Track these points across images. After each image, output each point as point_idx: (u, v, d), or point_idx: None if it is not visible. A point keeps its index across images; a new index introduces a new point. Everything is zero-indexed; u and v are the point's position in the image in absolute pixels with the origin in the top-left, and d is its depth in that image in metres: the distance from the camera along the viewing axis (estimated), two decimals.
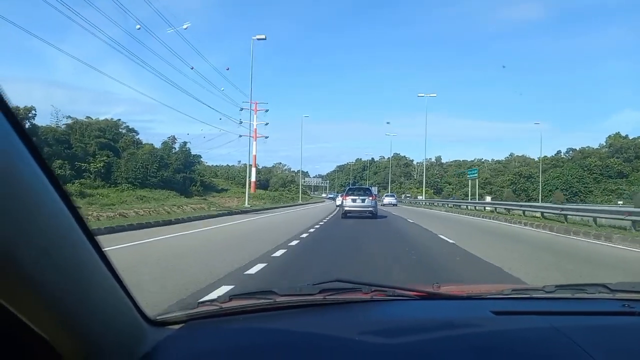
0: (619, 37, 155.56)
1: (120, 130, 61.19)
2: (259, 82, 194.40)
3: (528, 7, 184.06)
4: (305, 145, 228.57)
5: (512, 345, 1.08)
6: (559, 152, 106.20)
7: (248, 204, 43.22)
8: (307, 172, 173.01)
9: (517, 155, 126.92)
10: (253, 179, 78.55)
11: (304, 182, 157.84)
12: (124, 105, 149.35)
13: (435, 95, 67.04)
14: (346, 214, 21.18)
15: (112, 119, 56.78)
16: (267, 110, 75.68)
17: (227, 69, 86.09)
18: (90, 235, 0.81)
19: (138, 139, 67.44)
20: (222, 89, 55.03)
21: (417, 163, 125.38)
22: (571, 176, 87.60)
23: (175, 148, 64.46)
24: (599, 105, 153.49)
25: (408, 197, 73.22)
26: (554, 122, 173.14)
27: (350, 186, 30.19)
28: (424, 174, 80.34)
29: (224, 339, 1.13)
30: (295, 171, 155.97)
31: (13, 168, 0.62)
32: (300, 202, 57.48)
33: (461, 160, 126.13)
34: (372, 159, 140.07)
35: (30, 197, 0.65)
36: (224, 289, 5.56)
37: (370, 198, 21.44)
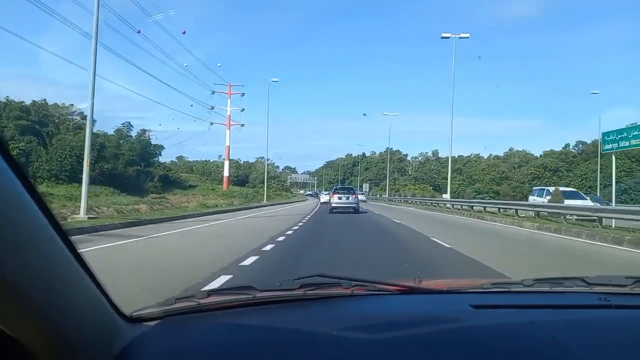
0: (619, 33, 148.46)
1: (63, 115, 51.25)
2: (249, 73, 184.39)
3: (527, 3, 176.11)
4: (297, 144, 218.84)
5: (490, 338, 1.08)
6: (567, 145, 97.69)
7: (225, 203, 33.67)
8: (294, 168, 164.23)
9: (517, 150, 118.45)
10: (226, 173, 68.58)
11: (291, 179, 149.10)
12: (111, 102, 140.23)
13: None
14: (332, 210, 24.58)
15: (40, 101, 45.97)
16: (243, 95, 65.91)
17: (219, 65, 76.58)
18: (62, 232, 0.80)
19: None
20: (185, 64, 45.49)
21: (413, 158, 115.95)
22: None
23: (131, 137, 54.35)
24: (593, 101, 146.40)
25: (403, 196, 59.65)
26: (545, 119, 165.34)
27: (337, 186, 33.89)
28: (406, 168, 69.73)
29: (201, 335, 1.10)
30: (282, 168, 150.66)
31: None
32: (265, 202, 43.53)
33: (456, 156, 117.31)
34: (363, 154, 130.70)
35: None
36: None
37: (353, 196, 25.43)
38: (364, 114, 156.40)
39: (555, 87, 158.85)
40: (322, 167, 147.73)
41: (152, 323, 1.16)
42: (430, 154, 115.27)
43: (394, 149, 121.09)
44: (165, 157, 63.41)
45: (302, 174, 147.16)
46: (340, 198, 25.20)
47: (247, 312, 1.24)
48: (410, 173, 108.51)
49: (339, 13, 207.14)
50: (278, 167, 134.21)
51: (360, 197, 36.00)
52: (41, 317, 0.74)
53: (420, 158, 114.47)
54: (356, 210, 24.88)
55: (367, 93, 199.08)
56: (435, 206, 36.74)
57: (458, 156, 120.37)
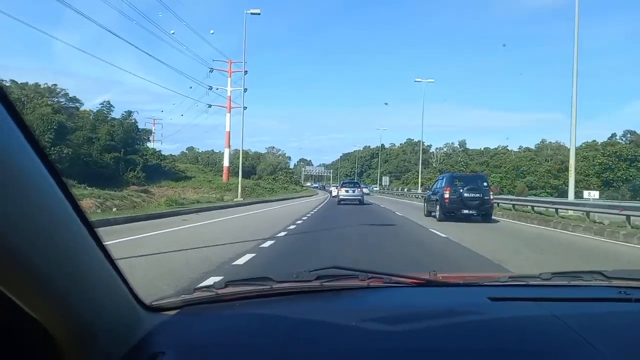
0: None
1: (47, 97, 43.90)
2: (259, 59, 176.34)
3: None
4: (314, 136, 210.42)
5: (508, 331, 1.08)
6: (613, 135, 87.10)
7: (215, 197, 25.87)
8: (309, 161, 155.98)
9: (549, 142, 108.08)
10: (226, 163, 60.33)
11: (305, 171, 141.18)
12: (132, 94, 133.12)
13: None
14: (340, 202, 26.99)
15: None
16: (246, 72, 57.42)
17: (212, 32, 67.63)
18: (86, 221, 0.81)
19: (72, 109, 50.48)
20: (172, 31, 37.60)
21: (437, 149, 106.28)
22: None
23: (114, 119, 46.52)
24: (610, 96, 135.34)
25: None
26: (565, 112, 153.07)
27: (344, 181, 34.53)
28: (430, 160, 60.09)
29: (219, 325, 1.13)
30: (297, 161, 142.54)
31: (8, 153, 0.63)
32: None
33: (481, 148, 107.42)
34: (382, 145, 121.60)
35: (25, 181, 0.66)
36: None
37: (358, 190, 28.01)
38: (386, 103, 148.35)
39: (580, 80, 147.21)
40: (339, 159, 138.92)
41: (172, 312, 1.16)
42: (456, 144, 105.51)
43: (415, 139, 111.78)
44: (176, 149, 55.80)
45: (317, 166, 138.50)
46: (347, 191, 27.44)
47: (265, 302, 1.24)
48: (434, 165, 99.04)
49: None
50: (289, 158, 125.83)
51: (365, 190, 36.37)
52: (63, 301, 0.75)
53: (445, 149, 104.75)
54: (361, 202, 26.81)
55: (388, 83, 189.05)
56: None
57: (484, 148, 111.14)
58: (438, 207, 15.56)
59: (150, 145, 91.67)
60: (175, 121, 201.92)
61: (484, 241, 9.80)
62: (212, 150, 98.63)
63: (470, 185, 15.38)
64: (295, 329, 1.07)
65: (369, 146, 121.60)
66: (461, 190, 15.12)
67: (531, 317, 1.14)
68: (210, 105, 55.57)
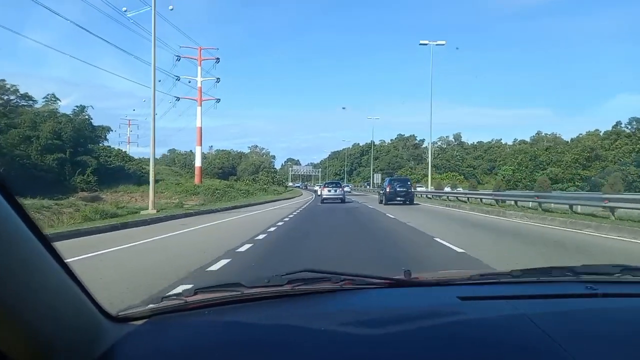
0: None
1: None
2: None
3: None
4: (302, 136, 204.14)
5: (477, 330, 1.08)
6: (618, 123, 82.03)
7: (174, 204, 19.92)
8: (297, 160, 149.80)
9: (545, 134, 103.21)
10: (198, 163, 53.49)
11: (293, 171, 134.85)
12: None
13: (378, 118, 54.47)
14: (323, 200, 28.41)
15: None
16: (217, 60, 51.24)
17: (171, 8, 60.78)
18: (38, 232, 0.79)
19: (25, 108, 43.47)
20: (124, 9, 30.98)
21: (431, 144, 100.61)
22: None
23: (66, 115, 39.88)
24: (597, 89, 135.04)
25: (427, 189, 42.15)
26: (554, 107, 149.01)
27: (326, 182, 36.51)
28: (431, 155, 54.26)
29: (189, 334, 1.08)
30: (284, 160, 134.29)
31: None
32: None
33: (475, 142, 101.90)
34: (372, 141, 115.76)
35: None
36: None
37: (340, 189, 29.64)
38: (344, 108, 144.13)
39: (562, 74, 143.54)
40: (327, 158, 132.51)
41: (139, 322, 1.13)
42: (451, 137, 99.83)
43: (405, 134, 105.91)
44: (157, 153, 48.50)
45: (305, 166, 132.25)
46: (329, 191, 29.13)
47: (235, 309, 1.21)
48: (428, 160, 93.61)
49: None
50: (274, 157, 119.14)
51: (346, 188, 38.25)
52: (18, 320, 0.72)
53: (440, 143, 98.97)
54: (343, 201, 28.33)
55: (374, 83, 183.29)
56: (496, 205, 21.08)
57: (477, 142, 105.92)
58: (383, 197, 26.32)
59: (123, 147, 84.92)
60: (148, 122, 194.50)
61: (403, 213, 17.69)
62: (191, 150, 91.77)
63: (401, 184, 26.20)
64: (267, 335, 1.06)
65: (358, 144, 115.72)
66: (396, 187, 25.81)
67: (500, 316, 1.13)
68: (178, 98, 49.11)
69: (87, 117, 42.31)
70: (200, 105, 47.91)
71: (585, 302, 1.29)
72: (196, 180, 47.25)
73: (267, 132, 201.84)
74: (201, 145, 48.15)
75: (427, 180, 32.33)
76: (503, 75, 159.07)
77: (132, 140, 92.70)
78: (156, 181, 48.47)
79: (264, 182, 54.42)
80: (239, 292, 1.25)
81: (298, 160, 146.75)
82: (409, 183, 26.63)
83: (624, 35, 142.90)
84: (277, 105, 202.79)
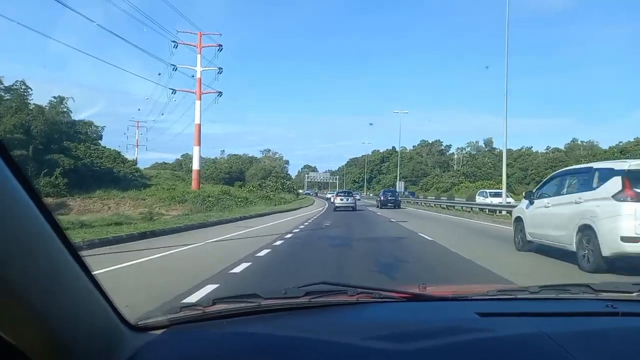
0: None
1: None
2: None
3: None
4: (321, 144, 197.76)
5: (496, 347, 1.07)
6: None
7: (141, 216, 14.98)
8: (314, 167, 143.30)
9: (581, 142, 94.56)
10: (196, 166, 47.14)
11: (309, 178, 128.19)
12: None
13: (407, 112, 48.69)
14: (336, 208, 29.92)
15: None
16: (220, 49, 45.14)
17: None
18: (65, 239, 0.79)
19: None
20: None
21: (458, 150, 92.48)
22: None
23: (39, 106, 33.89)
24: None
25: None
26: (579, 116, 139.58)
27: (339, 191, 41.79)
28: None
29: (207, 344, 1.09)
30: (301, 167, 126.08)
31: None
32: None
33: (497, 149, 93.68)
34: (393, 147, 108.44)
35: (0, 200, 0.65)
36: None
37: (351, 198, 32.12)
38: (371, 124, 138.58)
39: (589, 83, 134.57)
40: (345, 165, 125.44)
41: (158, 332, 1.13)
42: (482, 143, 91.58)
43: (429, 140, 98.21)
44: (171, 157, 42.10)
45: (322, 172, 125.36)
46: (341, 200, 31.31)
47: (253, 320, 1.22)
48: (456, 168, 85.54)
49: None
50: (287, 162, 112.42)
51: (357, 197, 40.64)
52: (42, 324, 0.73)
53: (468, 149, 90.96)
54: (354, 209, 30.35)
55: (399, 88, 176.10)
56: None
57: (506, 150, 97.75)
58: (379, 202, 36.86)
59: (131, 153, 79.12)
60: (161, 125, 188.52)
61: (392, 214, 24.32)
62: (208, 157, 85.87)
63: (391, 194, 38.06)
64: (285, 347, 1.05)
65: (378, 150, 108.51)
66: (388, 196, 36.72)
67: (518, 332, 1.12)
68: (174, 91, 43.00)
69: (65, 110, 36.28)
70: (200, 99, 41.50)
71: (606, 320, 1.26)
72: (193, 185, 40.70)
73: (285, 140, 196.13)
74: (199, 145, 41.46)
75: (502, 187, 23.80)
76: (527, 82, 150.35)
77: (142, 143, 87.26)
78: (147, 186, 42.62)
79: (271, 189, 47.68)
80: (257, 303, 1.25)
81: (315, 167, 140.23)
82: (396, 192, 40.72)
83: None
84: (296, 111, 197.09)
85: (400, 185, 63.13)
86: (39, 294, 0.71)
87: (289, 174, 78.65)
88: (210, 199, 29.58)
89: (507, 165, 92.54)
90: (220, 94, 42.72)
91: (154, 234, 11.42)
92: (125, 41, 50.85)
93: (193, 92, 41.99)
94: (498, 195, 28.74)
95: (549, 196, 8.33)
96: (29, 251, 0.70)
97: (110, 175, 41.67)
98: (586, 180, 7.37)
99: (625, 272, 6.38)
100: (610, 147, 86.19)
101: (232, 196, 32.01)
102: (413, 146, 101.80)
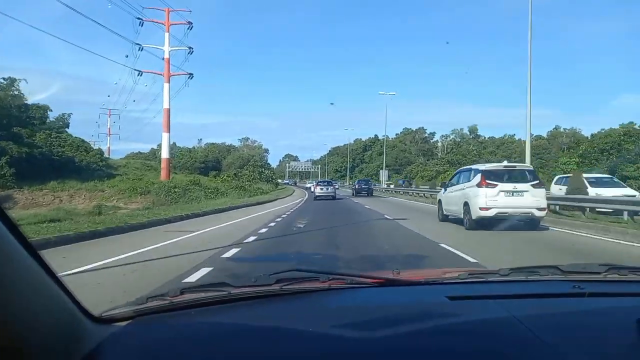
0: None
1: None
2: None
3: None
4: (304, 134, 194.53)
5: (467, 330, 1.09)
6: (630, 123, 72.20)
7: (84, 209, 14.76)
8: (296, 157, 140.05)
9: (564, 129, 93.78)
10: (165, 154, 43.87)
11: (290, 167, 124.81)
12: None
13: (394, 93, 50.14)
14: (316, 197, 31.21)
15: None
16: (190, 26, 41.67)
17: None
18: (18, 233, 0.77)
19: None
20: None
21: (443, 137, 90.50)
22: None
23: None
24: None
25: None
26: (556, 107, 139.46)
27: (319, 180, 44.94)
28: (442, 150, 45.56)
29: (174, 334, 1.07)
30: (282, 157, 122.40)
31: None
32: None
33: (486, 137, 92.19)
34: (376, 136, 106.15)
35: None
36: None
37: (331, 187, 33.14)
38: (332, 103, 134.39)
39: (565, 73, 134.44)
40: (327, 154, 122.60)
41: (123, 323, 1.11)
42: (466, 130, 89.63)
43: (411, 128, 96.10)
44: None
45: (304, 162, 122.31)
46: (322, 189, 32.22)
47: (222, 309, 1.19)
48: (440, 156, 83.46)
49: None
50: (267, 150, 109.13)
51: (335, 186, 40.98)
52: None
53: (452, 137, 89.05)
54: (334, 198, 31.43)
55: (379, 77, 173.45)
56: None
57: (489, 137, 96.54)
58: (354, 191, 40.83)
59: (103, 143, 74.61)
60: (135, 113, 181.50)
61: (367, 201, 25.97)
62: (187, 147, 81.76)
63: (365, 183, 41.91)
64: (255, 335, 1.04)
65: (361, 139, 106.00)
66: (362, 184, 40.85)
67: (489, 316, 1.13)
68: (140, 73, 39.51)
69: (17, 92, 32.68)
70: (168, 82, 38.21)
71: (573, 301, 1.28)
72: (162, 175, 37.44)
73: (267, 130, 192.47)
74: (169, 132, 38.26)
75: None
76: (502, 72, 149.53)
77: (114, 131, 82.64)
78: (112, 176, 39.31)
79: (247, 178, 44.76)
80: (226, 292, 1.22)
81: (297, 156, 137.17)
82: (370, 182, 44.47)
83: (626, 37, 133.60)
84: (279, 101, 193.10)
85: (384, 174, 60.89)
86: None
87: (268, 163, 75.77)
88: (176, 190, 26.66)
89: (490, 153, 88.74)
90: (191, 75, 39.44)
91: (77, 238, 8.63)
92: (86, 17, 46.71)
93: (161, 74, 38.69)
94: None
95: (453, 185, 12.81)
96: None
97: (71, 164, 38.24)
98: (467, 176, 11.94)
99: (483, 227, 10.72)
100: (592, 135, 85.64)
101: (202, 187, 29.10)
102: (396, 134, 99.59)
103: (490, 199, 10.59)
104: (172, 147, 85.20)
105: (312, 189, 36.80)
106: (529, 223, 10.81)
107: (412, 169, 76.04)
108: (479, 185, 10.87)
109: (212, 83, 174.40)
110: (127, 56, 39.83)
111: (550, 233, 10.69)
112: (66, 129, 56.38)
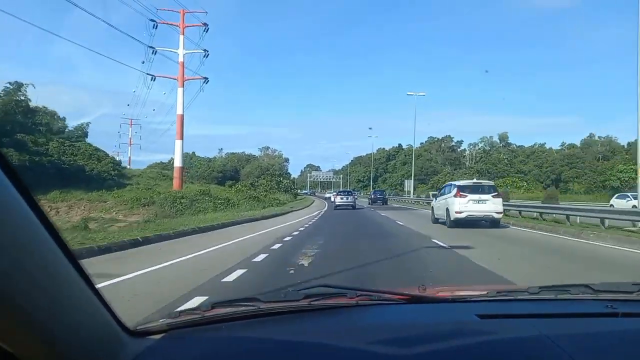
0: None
1: None
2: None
3: None
4: (326, 144, 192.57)
5: (497, 349, 1.08)
6: None
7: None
8: (318, 167, 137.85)
9: (599, 137, 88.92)
10: (178, 162, 41.51)
11: (311, 177, 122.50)
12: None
13: (424, 94, 48.18)
14: (336, 207, 31.99)
15: None
16: (206, 29, 39.93)
17: None
18: (63, 244, 0.79)
19: None
20: None
21: (470, 146, 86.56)
22: None
23: None
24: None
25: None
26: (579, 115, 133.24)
27: (339, 190, 43.51)
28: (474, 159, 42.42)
29: (206, 348, 1.08)
30: (304, 167, 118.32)
31: None
32: None
33: (515, 145, 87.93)
34: (400, 145, 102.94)
35: None
36: None
37: (351, 197, 33.80)
38: (370, 128, 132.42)
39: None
40: (350, 164, 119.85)
41: (157, 337, 1.12)
42: (496, 138, 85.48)
43: (437, 137, 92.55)
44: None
45: (326, 172, 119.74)
46: (342, 198, 32.97)
47: (252, 323, 1.21)
48: (468, 165, 79.64)
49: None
50: (287, 159, 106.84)
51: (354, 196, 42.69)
52: (40, 332, 0.73)
53: (481, 145, 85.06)
54: (353, 207, 31.99)
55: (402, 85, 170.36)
56: None
57: (518, 146, 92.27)
58: (370, 200, 44.73)
59: (125, 155, 73.28)
60: (159, 125, 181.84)
61: (392, 214, 24.97)
62: (208, 157, 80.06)
63: (380, 193, 47.61)
64: (284, 350, 1.05)
65: (384, 148, 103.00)
66: (377, 195, 45.42)
67: (518, 333, 1.12)
68: (154, 77, 37.75)
69: (22, 98, 31.12)
70: (182, 86, 36.33)
71: (605, 321, 1.26)
72: (175, 185, 35.44)
73: (289, 140, 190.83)
74: (182, 139, 36.29)
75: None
76: (535, 79, 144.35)
77: (135, 142, 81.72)
78: (124, 186, 37.43)
79: (264, 188, 42.30)
80: (256, 307, 1.24)
81: (318, 166, 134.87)
82: (384, 192, 51.40)
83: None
84: (301, 111, 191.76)
85: (410, 185, 57.70)
86: (37, 302, 0.71)
87: (288, 173, 73.07)
88: (183, 200, 24.34)
89: (521, 162, 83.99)
90: (206, 80, 37.44)
91: None
92: (101, 20, 45.51)
93: (175, 78, 36.87)
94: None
95: (440, 196, 17.36)
96: (27, 259, 0.69)
97: (82, 174, 36.68)
98: (449, 189, 16.41)
99: (460, 226, 14.89)
100: (629, 143, 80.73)
101: (212, 197, 26.69)
102: (421, 143, 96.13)
103: (462, 205, 14.62)
104: (192, 157, 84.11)
105: (332, 199, 37.95)
106: (492, 222, 15.01)
107: (439, 178, 72.59)
108: (455, 195, 15.02)
109: (233, 93, 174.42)
110: (143, 62, 37.92)
111: (509, 230, 14.74)
112: (85, 139, 55.36)
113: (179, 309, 1.28)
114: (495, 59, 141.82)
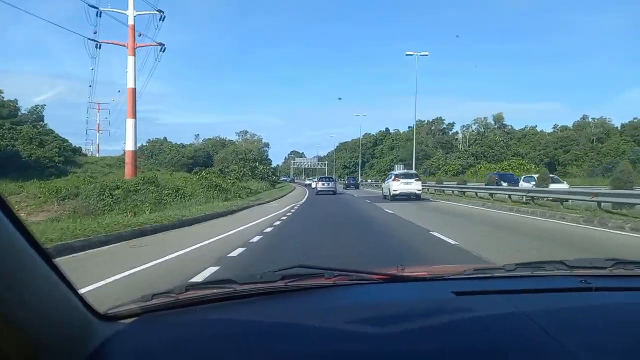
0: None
1: None
2: None
3: None
4: (310, 131, 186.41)
5: (473, 325, 1.09)
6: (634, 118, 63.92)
7: None
8: (302, 153, 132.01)
9: (592, 119, 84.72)
10: (130, 146, 34.49)
11: (295, 164, 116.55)
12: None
13: (427, 54, 39.14)
14: (318, 192, 35.47)
15: None
16: None
17: None
18: (24, 229, 0.78)
19: None
20: None
21: (463, 128, 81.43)
22: None
23: None
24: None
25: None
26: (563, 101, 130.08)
27: (321, 176, 47.36)
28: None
29: (180, 331, 1.07)
30: (288, 153, 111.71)
31: None
32: None
33: (511, 126, 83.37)
34: (387, 129, 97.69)
35: None
36: None
37: (332, 183, 37.94)
38: (339, 98, 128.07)
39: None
40: (335, 150, 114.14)
41: (129, 320, 1.11)
42: (490, 119, 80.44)
43: (425, 120, 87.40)
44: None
45: (310, 158, 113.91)
46: (323, 184, 36.72)
47: (228, 305, 1.21)
48: (461, 148, 74.72)
49: None
50: (268, 144, 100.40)
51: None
52: (2, 317, 0.71)
53: (475, 127, 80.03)
54: (334, 192, 35.50)
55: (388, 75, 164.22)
56: None
57: (509, 129, 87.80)
58: (344, 185, 53.64)
59: (90, 142, 66.35)
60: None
61: (350, 192, 41.66)
62: (182, 143, 73.26)
63: (353, 179, 57.83)
64: (261, 332, 1.04)
65: (370, 133, 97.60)
66: (350, 180, 55.83)
67: (496, 312, 1.13)
68: (99, 44, 31.57)
69: None
70: (134, 55, 30.22)
71: (579, 296, 1.29)
72: (127, 172, 29.20)
73: (275, 128, 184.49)
74: (135, 117, 30.20)
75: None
76: (506, 68, 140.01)
77: (104, 127, 74.39)
78: (66, 174, 31.39)
79: (235, 175, 36.65)
80: (231, 289, 1.23)
81: (303, 153, 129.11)
82: (356, 179, 60.40)
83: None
84: (285, 99, 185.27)
85: (399, 168, 52.86)
86: (1, 286, 0.69)
87: (269, 159, 67.05)
88: (117, 192, 18.65)
89: (515, 145, 79.65)
90: (163, 47, 31.31)
91: None
92: None
93: (124, 45, 30.73)
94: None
95: (386, 180, 29.10)
96: None
97: (17, 160, 30.67)
98: (390, 177, 27.62)
99: (395, 200, 24.42)
100: (622, 125, 76.86)
101: (158, 186, 20.99)
102: (409, 127, 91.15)
103: (397, 186, 24.82)
104: (162, 143, 77.25)
105: (314, 186, 41.77)
106: (416, 197, 24.71)
107: (431, 162, 67.71)
108: (393, 180, 25.58)
109: (217, 82, 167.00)
110: (95, 32, 31.57)
111: (431, 202, 22.87)
112: (41, 122, 48.90)
113: (152, 293, 1.22)
114: (486, 48, 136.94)
